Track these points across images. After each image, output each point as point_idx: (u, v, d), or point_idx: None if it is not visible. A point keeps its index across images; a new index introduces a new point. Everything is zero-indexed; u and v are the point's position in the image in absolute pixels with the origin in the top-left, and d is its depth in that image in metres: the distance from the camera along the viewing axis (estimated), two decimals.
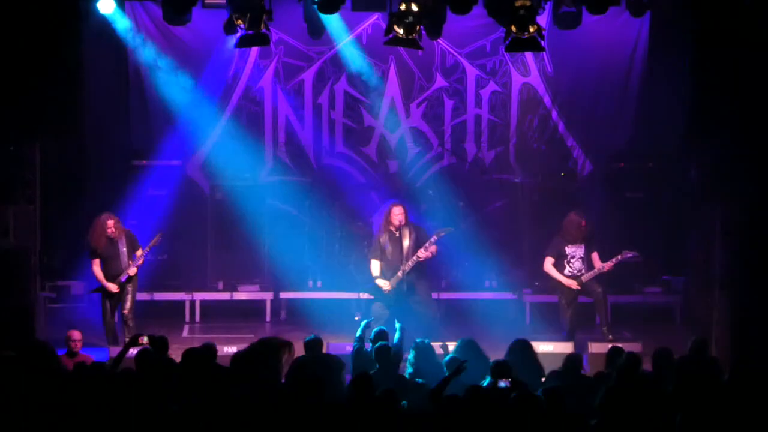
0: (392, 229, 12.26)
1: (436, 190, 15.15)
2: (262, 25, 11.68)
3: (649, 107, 14.75)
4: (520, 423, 7.42)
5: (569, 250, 12.46)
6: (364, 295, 12.84)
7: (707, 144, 12.79)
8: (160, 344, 9.31)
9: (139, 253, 12.29)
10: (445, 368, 9.00)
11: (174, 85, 14.67)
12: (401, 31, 11.91)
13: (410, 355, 9.66)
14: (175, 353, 9.49)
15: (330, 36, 14.45)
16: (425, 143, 15.49)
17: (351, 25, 14.78)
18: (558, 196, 14.52)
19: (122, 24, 14.06)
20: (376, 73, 15.20)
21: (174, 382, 8.29)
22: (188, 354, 8.78)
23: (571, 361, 9.26)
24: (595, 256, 12.47)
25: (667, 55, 14.15)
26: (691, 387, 8.14)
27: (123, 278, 12.25)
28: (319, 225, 14.77)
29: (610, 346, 10.14)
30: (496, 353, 9.51)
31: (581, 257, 12.46)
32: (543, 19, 12.77)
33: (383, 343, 9.51)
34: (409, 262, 12.12)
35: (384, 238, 12.28)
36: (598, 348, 11.19)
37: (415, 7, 11.74)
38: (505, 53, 14.67)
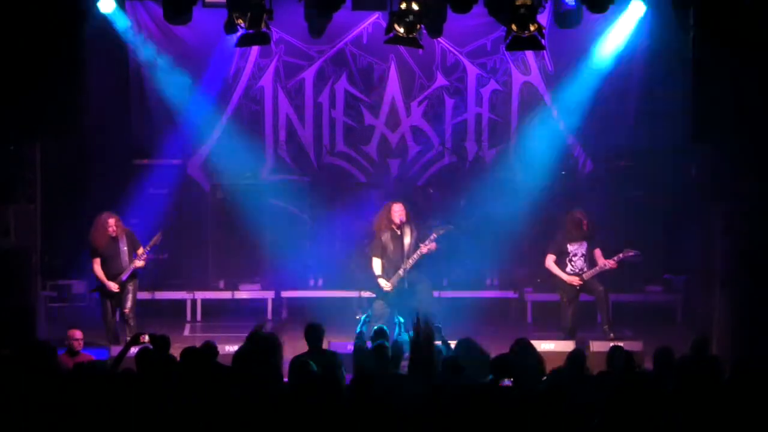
0: (393, 227, 12.28)
1: (437, 189, 15.18)
2: (263, 24, 11.67)
3: (649, 106, 14.75)
4: (522, 421, 7.42)
5: (571, 247, 12.47)
6: (365, 294, 12.86)
7: (708, 142, 12.77)
8: (161, 343, 9.30)
9: (141, 251, 12.29)
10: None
11: (174, 85, 14.68)
12: (402, 30, 11.90)
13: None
14: (177, 352, 9.47)
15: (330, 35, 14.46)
16: (426, 142, 15.50)
17: (351, 24, 14.81)
18: (559, 194, 14.53)
19: (122, 23, 14.06)
20: (377, 71, 15.22)
21: (174, 382, 8.27)
22: (187, 353, 8.77)
23: (574, 358, 9.23)
24: (597, 252, 12.48)
25: (667, 54, 14.13)
26: (691, 386, 8.13)
27: (124, 276, 12.26)
28: (319, 224, 14.78)
29: (611, 344, 10.13)
30: (497, 352, 9.49)
31: (583, 255, 12.47)
32: (543, 18, 12.76)
33: (381, 341, 9.51)
34: (410, 260, 12.13)
35: (386, 237, 12.30)
36: (599, 346, 11.19)
37: (415, 6, 11.73)
38: (505, 52, 14.67)
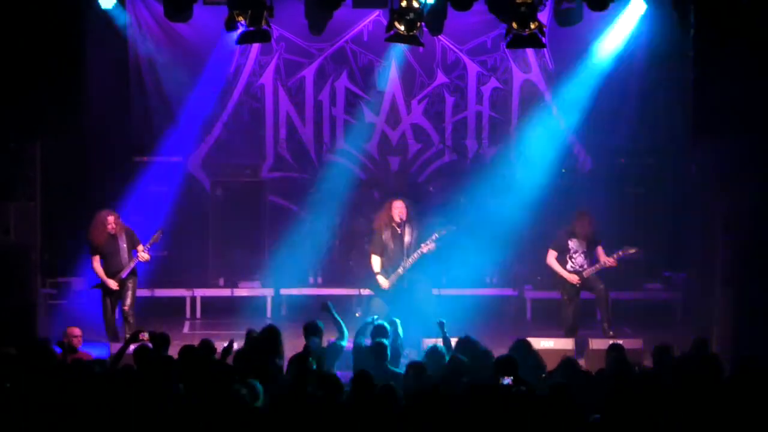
0: (394, 225, 12.27)
1: (437, 187, 15.17)
2: (263, 22, 11.66)
3: (649, 103, 14.74)
4: (523, 420, 7.42)
5: (572, 244, 12.47)
6: (365, 291, 12.85)
7: (708, 140, 12.76)
8: (161, 341, 9.30)
9: (141, 248, 12.28)
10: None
11: (174, 82, 14.68)
12: (402, 28, 11.89)
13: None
14: (176, 350, 9.48)
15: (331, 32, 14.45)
16: (426, 140, 15.50)
17: (352, 22, 14.80)
18: (559, 192, 14.52)
19: (123, 20, 14.05)
20: (377, 69, 15.22)
21: (173, 379, 8.27)
22: (185, 351, 8.78)
23: (566, 365, 9.17)
24: (599, 250, 12.47)
25: (667, 52, 14.12)
26: (691, 384, 8.13)
27: (124, 274, 12.26)
28: (319, 221, 14.77)
29: (610, 342, 10.13)
30: (498, 350, 9.49)
31: (584, 252, 12.47)
32: (544, 16, 12.74)
33: (380, 339, 9.51)
34: (410, 259, 12.12)
35: (386, 234, 12.29)
36: (598, 344, 11.18)
37: (416, 4, 11.73)
38: (506, 50, 14.67)
